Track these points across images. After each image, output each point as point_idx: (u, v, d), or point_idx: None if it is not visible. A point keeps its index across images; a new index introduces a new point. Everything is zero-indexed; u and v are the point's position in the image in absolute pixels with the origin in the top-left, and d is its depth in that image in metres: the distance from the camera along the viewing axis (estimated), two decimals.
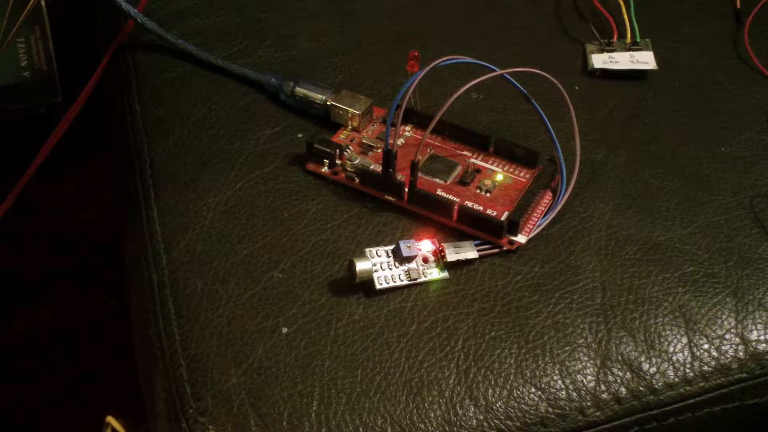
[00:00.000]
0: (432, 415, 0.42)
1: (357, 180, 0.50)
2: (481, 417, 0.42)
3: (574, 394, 0.43)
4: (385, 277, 0.45)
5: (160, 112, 0.55)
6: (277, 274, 0.46)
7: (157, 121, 0.55)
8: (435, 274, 0.46)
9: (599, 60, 0.58)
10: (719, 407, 0.45)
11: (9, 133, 0.70)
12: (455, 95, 0.45)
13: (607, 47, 0.59)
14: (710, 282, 0.47)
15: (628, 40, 0.59)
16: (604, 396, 0.43)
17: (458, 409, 0.42)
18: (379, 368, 0.43)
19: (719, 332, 0.45)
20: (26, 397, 0.78)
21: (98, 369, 0.79)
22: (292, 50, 0.59)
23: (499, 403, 0.43)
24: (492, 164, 0.50)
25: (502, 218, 0.47)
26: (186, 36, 0.59)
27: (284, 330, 0.44)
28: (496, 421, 0.42)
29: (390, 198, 0.49)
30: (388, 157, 0.47)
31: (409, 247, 0.46)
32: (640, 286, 0.46)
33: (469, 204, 0.48)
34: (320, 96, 0.53)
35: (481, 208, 0.48)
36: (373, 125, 0.53)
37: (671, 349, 0.45)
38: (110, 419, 0.50)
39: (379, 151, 0.51)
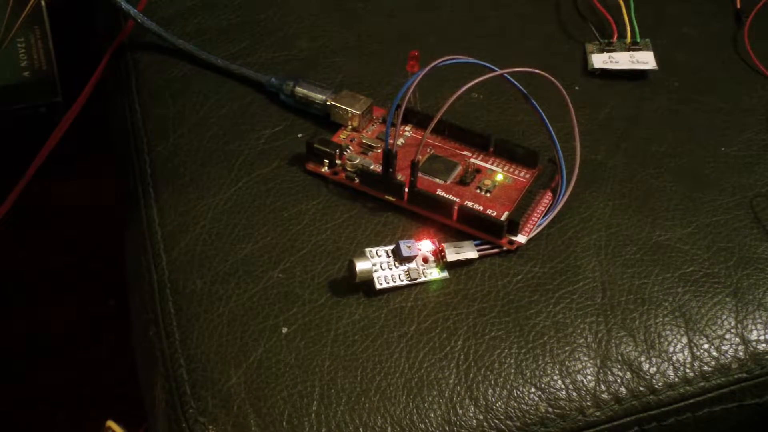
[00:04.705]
0: (432, 415, 0.42)
1: (357, 180, 0.50)
2: (481, 417, 0.42)
3: (574, 394, 0.43)
4: (385, 277, 0.45)
5: (160, 112, 0.55)
6: (277, 274, 0.46)
7: (157, 121, 0.55)
8: (435, 274, 0.46)
9: (599, 60, 0.58)
10: (719, 407, 0.45)
11: (9, 133, 0.70)
12: (455, 95, 0.45)
13: (607, 47, 0.59)
14: (710, 282, 0.47)
15: (628, 40, 0.59)
16: (604, 396, 0.43)
17: (458, 409, 0.42)
18: (379, 368, 0.43)
19: (719, 332, 0.45)
20: (26, 397, 0.78)
21: (98, 369, 0.79)
22: (292, 50, 0.59)
23: (499, 403, 0.43)
24: (492, 164, 0.50)
25: (502, 218, 0.47)
26: (186, 36, 0.59)
27: (284, 330, 0.44)
28: (496, 421, 0.42)
29: (390, 198, 0.49)
30: (388, 157, 0.47)
31: (409, 247, 0.46)
32: (640, 286, 0.46)
33: (469, 204, 0.48)
34: (320, 96, 0.53)
35: (481, 208, 0.48)
36: (373, 125, 0.53)
37: (671, 349, 0.45)
38: (110, 423, 0.50)
39: (379, 151, 0.51)
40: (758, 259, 0.48)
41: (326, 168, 0.50)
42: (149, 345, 0.46)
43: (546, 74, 0.48)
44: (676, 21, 0.62)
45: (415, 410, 0.42)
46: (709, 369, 0.44)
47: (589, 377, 0.44)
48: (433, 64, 0.46)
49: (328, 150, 0.50)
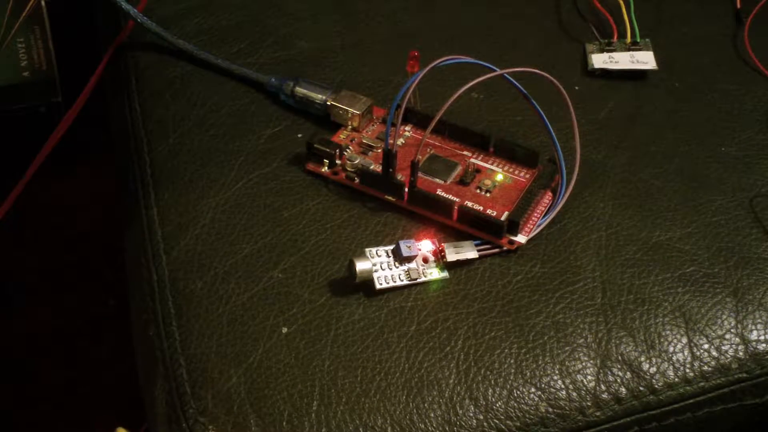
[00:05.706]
0: (432, 415, 0.42)
1: (357, 180, 0.50)
2: (481, 417, 0.42)
3: (574, 394, 0.43)
4: (385, 277, 0.45)
5: (160, 112, 0.55)
6: (277, 274, 0.46)
7: (157, 121, 0.55)
8: (435, 274, 0.46)
9: (599, 60, 0.58)
10: (719, 407, 0.45)
11: (9, 133, 0.70)
12: (455, 95, 0.45)
13: (607, 47, 0.59)
14: (710, 282, 0.47)
15: (628, 40, 0.59)
16: (604, 396, 0.43)
17: (458, 409, 0.42)
18: (379, 368, 0.43)
19: (719, 332, 0.45)
20: (26, 397, 0.78)
21: (98, 369, 0.79)
22: (292, 50, 0.59)
23: (499, 403, 0.43)
24: (492, 164, 0.50)
25: (502, 218, 0.47)
26: (186, 36, 0.59)
27: (284, 330, 0.44)
28: (496, 421, 0.42)
29: (390, 198, 0.49)
30: (388, 157, 0.47)
31: (409, 247, 0.46)
32: (640, 286, 0.46)
33: (469, 204, 0.48)
34: (320, 96, 0.53)
35: (481, 208, 0.48)
36: (373, 125, 0.53)
37: (671, 349, 0.45)
38: (121, 430, 0.50)
39: (379, 151, 0.51)
40: (758, 259, 0.48)
41: (326, 168, 0.50)
42: (149, 345, 0.46)
43: (546, 74, 0.48)
44: (676, 21, 0.62)
45: (415, 410, 0.42)
46: (709, 369, 0.44)
47: (589, 377, 0.44)
48: (433, 64, 0.46)
49: (328, 150, 0.50)
